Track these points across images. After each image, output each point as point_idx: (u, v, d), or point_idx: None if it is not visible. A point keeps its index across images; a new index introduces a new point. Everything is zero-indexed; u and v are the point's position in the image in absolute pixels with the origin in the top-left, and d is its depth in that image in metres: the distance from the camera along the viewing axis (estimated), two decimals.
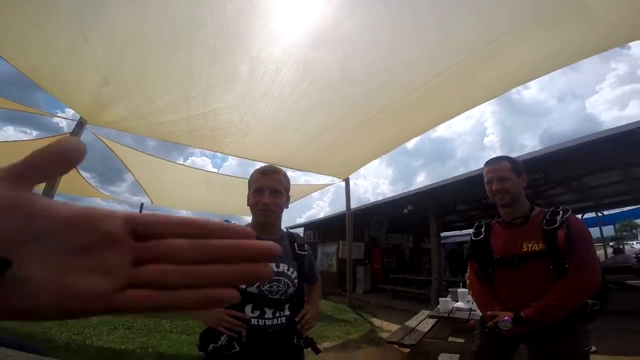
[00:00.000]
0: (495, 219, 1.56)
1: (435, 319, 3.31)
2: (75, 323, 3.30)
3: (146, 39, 2.83)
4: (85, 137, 5.24)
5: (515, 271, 1.35)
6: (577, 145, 4.58)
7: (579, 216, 12.06)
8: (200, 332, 1.10)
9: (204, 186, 9.35)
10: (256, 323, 1.09)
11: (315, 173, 6.74)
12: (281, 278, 1.15)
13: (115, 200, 15.43)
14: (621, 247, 12.80)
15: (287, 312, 1.15)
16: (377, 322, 5.66)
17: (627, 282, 6.18)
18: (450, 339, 3.31)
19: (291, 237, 1.31)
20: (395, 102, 3.75)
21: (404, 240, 12.40)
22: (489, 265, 1.47)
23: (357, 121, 4.28)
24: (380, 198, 10.47)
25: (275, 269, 1.14)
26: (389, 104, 3.81)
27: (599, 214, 11.89)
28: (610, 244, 16.29)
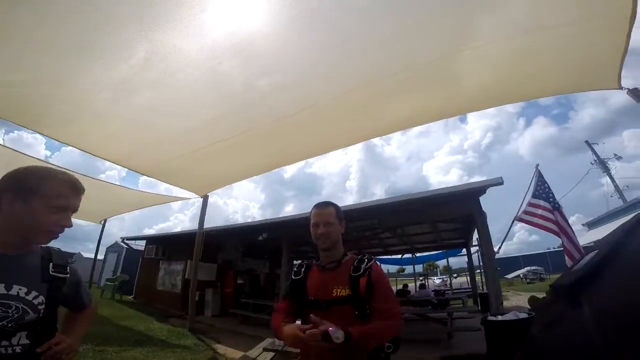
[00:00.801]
0: (314, 261, 1.62)
1: (274, 352, 3.24)
2: None
3: None
4: None
5: (324, 314, 1.39)
6: (400, 202, 5.72)
7: (399, 256, 14.93)
8: None
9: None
10: None
11: (171, 185, 6.01)
12: (12, 302, 0.96)
13: None
14: (424, 282, 16.29)
15: (24, 341, 0.98)
16: (220, 348, 5.26)
17: (427, 314, 7.57)
18: None
19: (47, 255, 1.09)
20: (266, 125, 3.73)
21: (260, 266, 12.36)
22: (302, 306, 1.49)
23: (227, 136, 4.05)
24: (249, 220, 10.25)
25: (5, 292, 0.95)
26: (261, 125, 3.76)
27: (414, 255, 14.98)
28: (420, 278, 20.57)
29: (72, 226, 1.04)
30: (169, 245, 11.44)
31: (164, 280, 11.22)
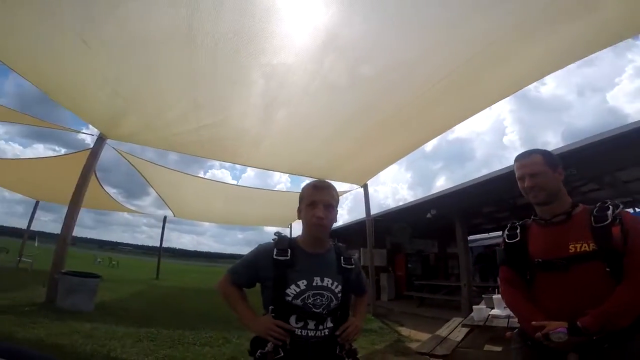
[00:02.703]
0: (532, 217, 1.39)
1: (469, 328, 3.12)
2: (102, 335, 3.36)
3: (149, 43, 2.77)
4: (107, 153, 5.40)
5: (563, 276, 1.19)
6: (602, 140, 4.30)
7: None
8: (250, 340, 1.18)
9: (222, 198, 9.49)
10: (300, 333, 1.13)
11: (332, 180, 6.67)
12: (324, 292, 1.17)
13: (140, 214, 16.06)
14: None
15: (329, 324, 1.18)
16: (404, 331, 5.44)
17: None
18: (487, 347, 3.11)
19: (338, 251, 1.30)
20: (406, 104, 3.63)
21: (429, 246, 12.06)
22: (527, 270, 1.31)
23: (369, 125, 4.18)
24: (400, 203, 10.04)
25: (320, 283, 1.17)
26: (401, 106, 3.70)
27: (636, 210, 11.10)
28: None
29: (323, 217, 1.18)
30: (341, 236, 12.65)
31: None
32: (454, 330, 3.31)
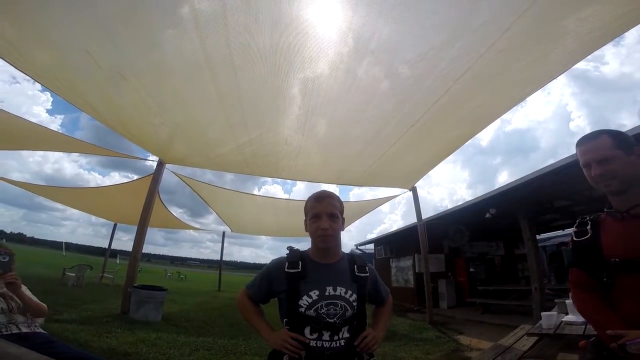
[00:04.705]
0: (606, 210, 1.19)
1: (537, 337, 2.75)
2: (164, 344, 3.64)
3: (176, 71, 2.95)
4: (172, 177, 5.89)
5: None
6: None
7: None
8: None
9: (273, 213, 9.86)
10: (315, 345, 1.13)
11: (378, 187, 6.49)
12: (338, 301, 1.17)
13: (202, 231, 17.34)
14: None
15: (345, 335, 1.16)
16: (464, 339, 5.03)
17: None
18: (561, 355, 2.71)
19: (351, 259, 1.31)
20: (442, 95, 3.38)
21: (493, 248, 11.07)
22: (603, 272, 1.12)
23: (408, 127, 3.98)
24: (459, 203, 9.23)
25: (333, 292, 1.17)
26: (440, 103, 3.47)
27: None
28: None
29: (327, 228, 1.20)
30: (394, 243, 12.24)
31: (397, 277, 11.99)
32: (520, 339, 2.94)
